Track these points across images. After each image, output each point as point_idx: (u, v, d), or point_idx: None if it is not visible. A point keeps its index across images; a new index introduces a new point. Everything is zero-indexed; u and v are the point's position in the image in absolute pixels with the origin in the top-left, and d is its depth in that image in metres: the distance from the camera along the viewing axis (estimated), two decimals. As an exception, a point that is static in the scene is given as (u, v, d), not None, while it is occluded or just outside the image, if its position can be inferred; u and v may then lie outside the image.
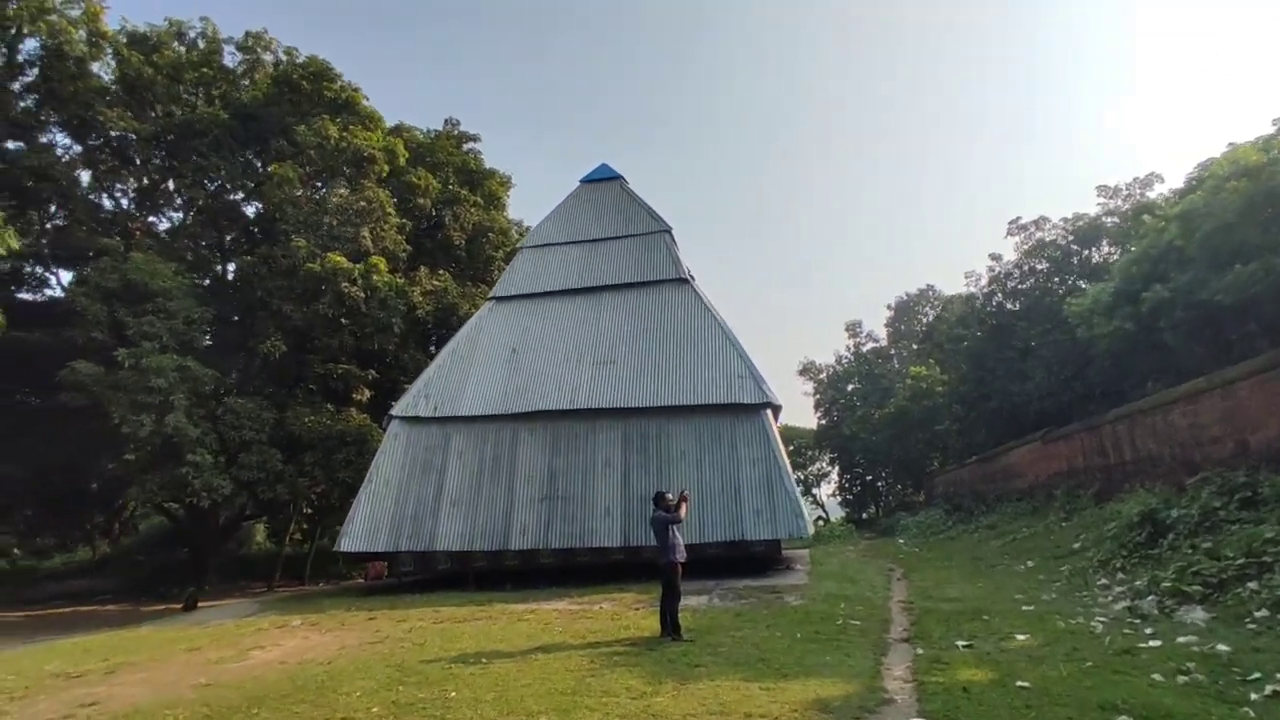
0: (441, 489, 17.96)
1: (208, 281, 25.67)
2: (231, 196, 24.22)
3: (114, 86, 23.81)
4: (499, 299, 21.45)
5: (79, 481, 25.50)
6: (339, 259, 20.87)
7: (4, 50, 21.64)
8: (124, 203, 24.19)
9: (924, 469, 48.52)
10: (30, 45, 22.14)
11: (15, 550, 38.10)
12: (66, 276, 25.60)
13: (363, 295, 21.06)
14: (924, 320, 68.26)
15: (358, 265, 21.19)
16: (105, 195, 25.16)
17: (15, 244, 18.33)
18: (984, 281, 33.68)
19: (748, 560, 17.29)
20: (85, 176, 24.78)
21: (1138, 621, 9.64)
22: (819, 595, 13.19)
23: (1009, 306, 32.74)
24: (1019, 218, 31.33)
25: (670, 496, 10.17)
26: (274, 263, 21.03)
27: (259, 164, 23.08)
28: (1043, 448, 26.85)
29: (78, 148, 24.26)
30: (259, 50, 24.42)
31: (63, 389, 20.17)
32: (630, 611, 12.36)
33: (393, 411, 19.41)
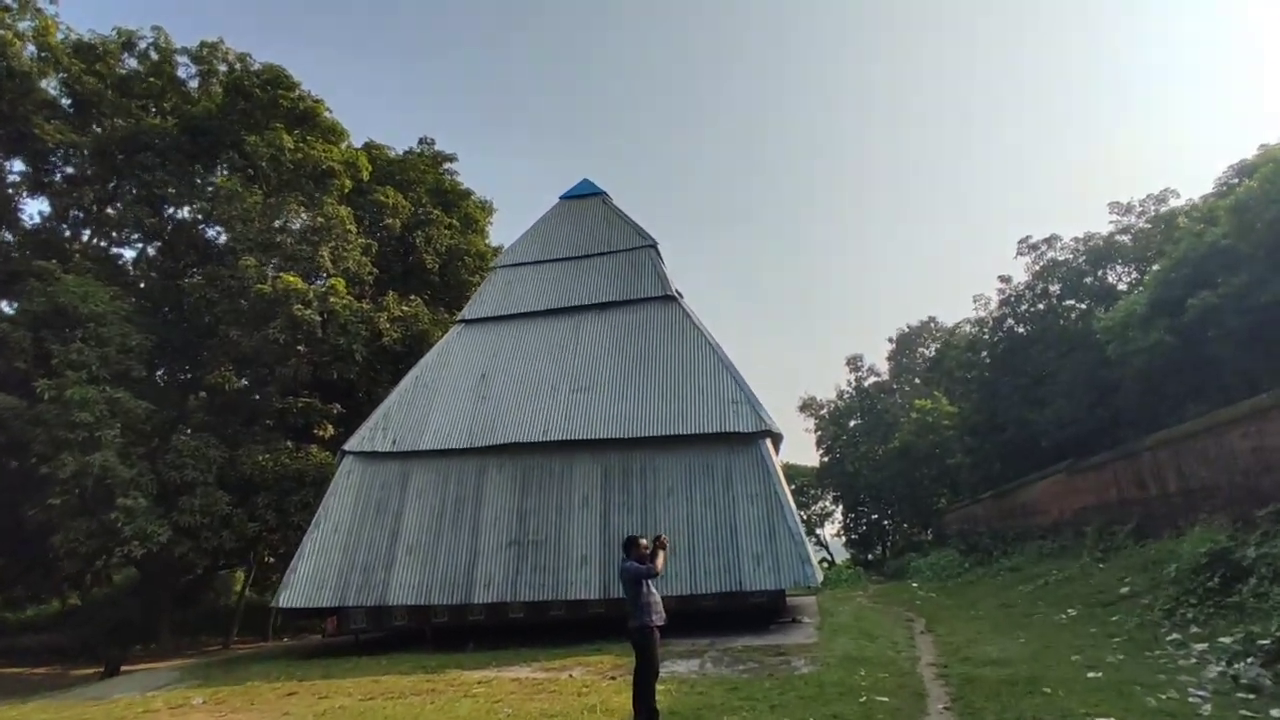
0: (397, 534, 15.76)
1: (166, 310, 23.70)
2: (181, 214, 22.40)
3: (63, 101, 22.16)
4: (468, 322, 19.49)
5: (12, 529, 23.19)
6: (293, 279, 18.93)
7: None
8: (67, 225, 22.32)
9: (931, 506, 46.36)
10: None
11: None
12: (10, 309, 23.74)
13: (319, 319, 19.07)
14: (925, 353, 66.60)
15: (314, 286, 19.24)
16: (55, 218, 23.37)
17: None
18: (993, 305, 31.85)
19: (747, 613, 15.02)
20: (34, 200, 23.04)
21: (1250, 697, 7.46)
22: (833, 658, 10.95)
23: (1020, 331, 30.85)
24: (1029, 236, 29.63)
25: (644, 542, 8.03)
26: (221, 284, 19.10)
27: (211, 181, 21.29)
28: (1067, 480, 24.67)
29: (20, 166, 22.53)
30: (214, 61, 22.72)
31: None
32: (604, 682, 10.13)
33: (346, 446, 17.28)
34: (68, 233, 22.65)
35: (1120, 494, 20.75)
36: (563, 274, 19.87)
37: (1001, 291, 31.39)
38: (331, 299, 19.39)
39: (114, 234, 22.61)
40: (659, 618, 7.71)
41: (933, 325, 66.66)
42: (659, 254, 19.92)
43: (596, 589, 14.53)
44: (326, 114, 23.05)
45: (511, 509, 15.67)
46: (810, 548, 14.56)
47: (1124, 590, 14.51)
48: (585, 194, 22.30)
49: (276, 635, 28.27)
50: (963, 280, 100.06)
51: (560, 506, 15.52)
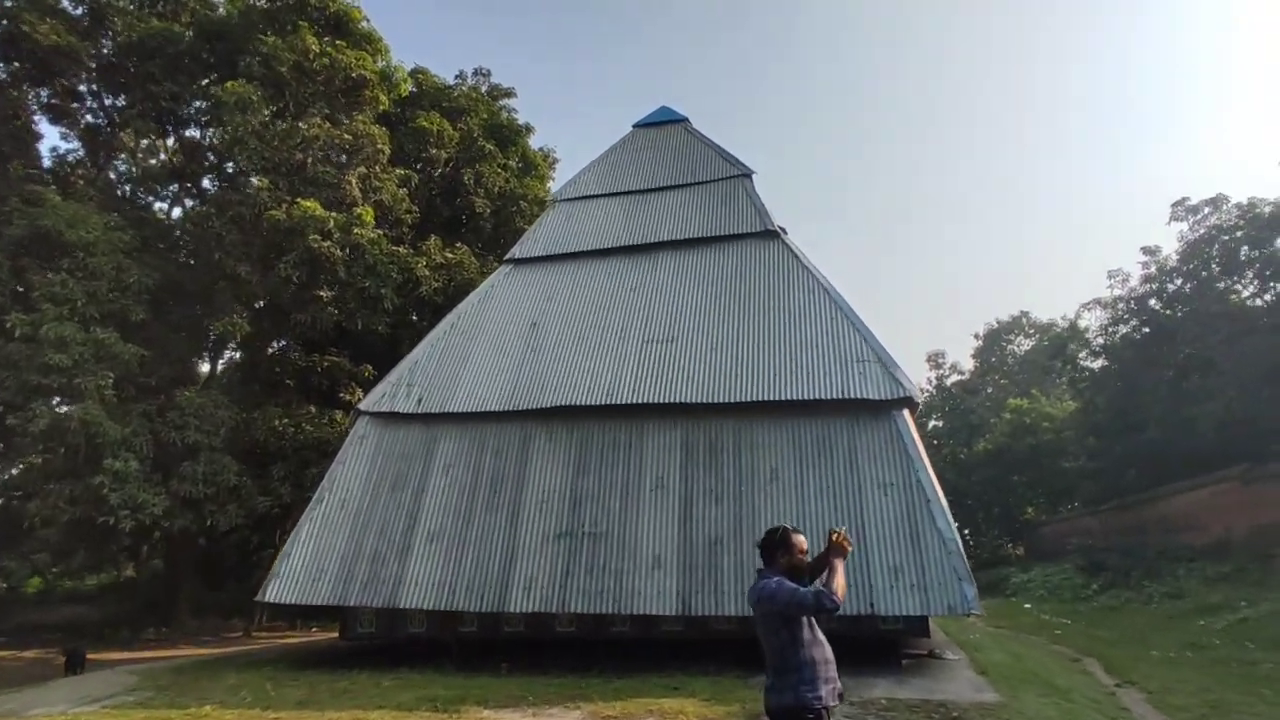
0: (417, 517, 12.32)
1: (181, 246, 20.76)
2: (192, 134, 19.57)
3: (76, 10, 19.42)
4: (517, 262, 15.97)
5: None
6: (311, 205, 15.76)
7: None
8: (70, 147, 19.70)
9: (1018, 517, 41.72)
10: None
11: (53, 570, 34.60)
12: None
13: (341, 255, 15.84)
14: (1016, 350, 61.21)
15: (335, 215, 16.03)
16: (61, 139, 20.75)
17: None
18: (1134, 282, 26.97)
19: (869, 643, 11.13)
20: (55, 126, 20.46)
21: None
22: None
23: (1168, 314, 25.94)
24: (1185, 198, 24.78)
25: (802, 542, 4.27)
26: (230, 210, 16.06)
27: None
28: (1243, 490, 19.97)
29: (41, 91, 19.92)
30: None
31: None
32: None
33: (361, 404, 13.96)
34: (81, 160, 20.00)
35: (1341, 509, 16.20)
36: (636, 207, 16.20)
37: (1145, 265, 26.64)
38: (356, 230, 16.13)
39: (121, 160, 19.91)
40: (830, 691, 3.97)
41: (1024, 320, 61.26)
42: (754, 188, 16.08)
43: (673, 601, 10.80)
44: (363, 22, 19.86)
45: (563, 491, 12.07)
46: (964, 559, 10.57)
47: None
48: (663, 120, 18.60)
49: (304, 626, 25.50)
50: (1058, 272, 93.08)
51: (627, 490, 11.85)
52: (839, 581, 3.88)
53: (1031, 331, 60.14)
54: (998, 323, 61.24)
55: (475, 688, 9.69)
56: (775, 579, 4.02)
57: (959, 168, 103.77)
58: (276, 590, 11.94)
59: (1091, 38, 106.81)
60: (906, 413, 11.68)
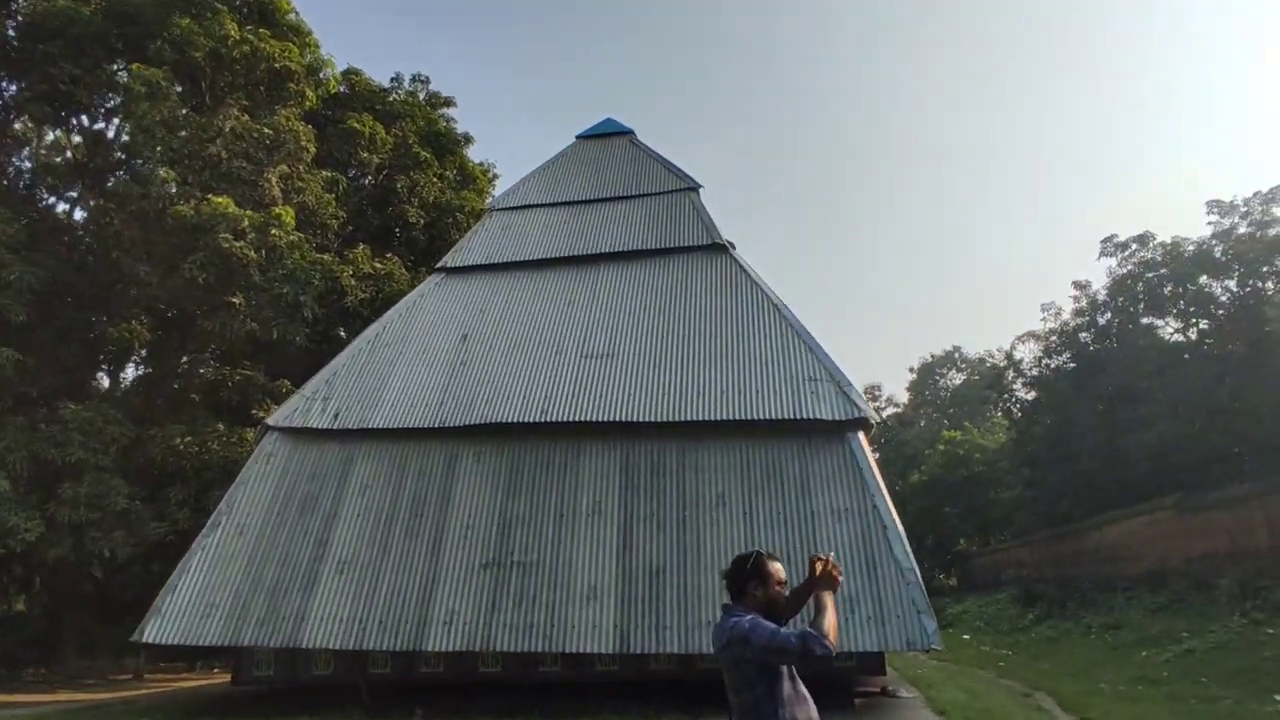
0: (326, 544, 11.04)
1: (78, 244, 18.85)
2: (97, 126, 17.90)
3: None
4: (449, 270, 14.93)
5: None
6: (224, 202, 14.41)
7: None
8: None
9: (950, 548, 42.27)
10: None
11: None
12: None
13: (255, 257, 14.52)
14: (949, 384, 62.60)
15: (250, 213, 14.69)
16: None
17: None
18: (1066, 315, 27.45)
19: (825, 682, 10.32)
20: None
21: None
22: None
23: (1096, 348, 26.44)
24: (1114, 235, 25.37)
25: (778, 570, 3.42)
26: (131, 205, 14.55)
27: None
28: (1177, 520, 20.07)
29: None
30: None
31: None
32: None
33: (270, 419, 12.64)
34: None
35: (1274, 539, 16.32)
36: (577, 218, 15.39)
37: (1076, 300, 27.20)
38: (274, 231, 14.79)
39: (25, 156, 18.13)
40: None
41: (956, 355, 62.89)
42: (700, 201, 15.49)
43: (610, 637, 9.80)
44: (291, 14, 18.58)
45: (491, 515, 11.00)
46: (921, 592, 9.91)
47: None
48: (609, 132, 17.94)
49: (206, 667, 23.30)
50: (992, 308, 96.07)
51: (561, 515, 10.86)
52: (830, 620, 3.05)
53: (964, 366, 61.79)
54: (931, 357, 62.77)
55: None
56: (749, 617, 3.16)
57: (895, 212, 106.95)
58: (157, 629, 10.47)
59: (1006, 84, 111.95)
60: (861, 435, 11.08)
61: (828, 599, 3.16)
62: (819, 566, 3.30)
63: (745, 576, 3.34)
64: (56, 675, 20.64)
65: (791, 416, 10.97)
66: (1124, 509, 22.71)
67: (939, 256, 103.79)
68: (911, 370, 62.72)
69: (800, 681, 3.22)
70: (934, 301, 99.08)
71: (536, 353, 12.71)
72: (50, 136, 17.48)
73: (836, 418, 10.91)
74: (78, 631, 22.79)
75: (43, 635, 23.12)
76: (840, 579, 3.30)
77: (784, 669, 3.12)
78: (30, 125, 16.88)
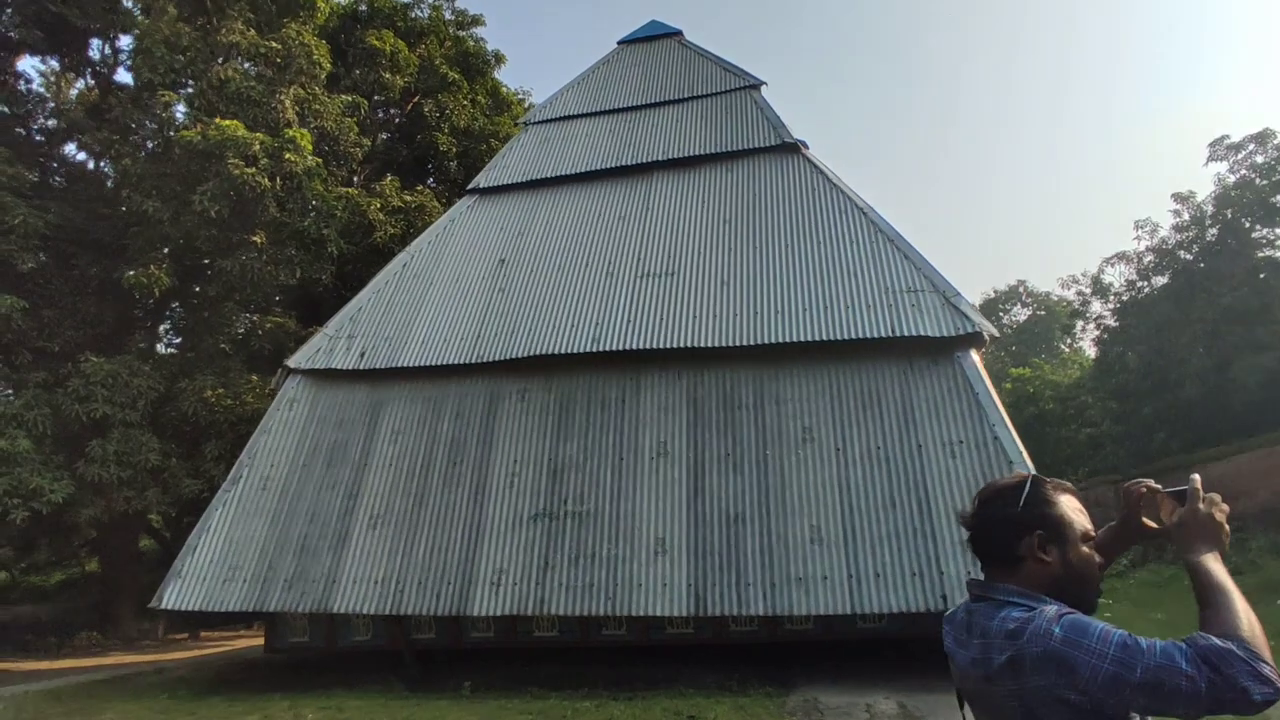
0: (357, 496, 9.78)
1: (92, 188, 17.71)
2: (93, 52, 16.61)
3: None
4: (482, 191, 13.34)
5: None
6: (233, 125, 13.00)
7: None
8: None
9: (1016, 487, 40.00)
10: None
11: (20, 566, 31.82)
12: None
13: (271, 185, 13.11)
14: (1016, 320, 59.52)
15: (261, 136, 13.25)
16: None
17: None
18: (1164, 232, 24.68)
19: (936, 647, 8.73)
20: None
21: None
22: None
23: (1202, 265, 23.73)
24: (1225, 136, 22.44)
25: (1075, 504, 1.72)
26: (136, 133, 13.25)
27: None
28: (1305, 452, 17.91)
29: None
30: None
31: None
32: None
33: (289, 361, 11.35)
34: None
35: None
36: (625, 126, 13.57)
37: (1176, 214, 24.41)
38: (289, 156, 13.34)
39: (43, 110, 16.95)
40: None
41: (1022, 290, 59.58)
42: (765, 100, 13.51)
43: (683, 597, 8.36)
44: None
45: (540, 460, 9.57)
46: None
47: None
48: (653, 35, 15.94)
49: (261, 625, 22.93)
50: (1058, 240, 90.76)
51: (621, 458, 9.37)
52: (1245, 620, 1.42)
53: (1029, 301, 58.51)
54: (995, 292, 59.53)
55: (426, 717, 7.28)
56: (1053, 608, 1.49)
57: (954, 134, 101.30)
58: (177, 594, 9.38)
59: None
60: (974, 353, 9.26)
61: (1212, 570, 1.52)
62: (1168, 506, 1.65)
63: (1017, 523, 1.64)
64: (112, 640, 20.34)
65: (889, 334, 9.19)
66: (1234, 442, 20.49)
67: (1011, 180, 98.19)
68: (975, 306, 59.59)
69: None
70: (997, 236, 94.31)
71: (585, 275, 11.10)
72: (55, 66, 16.17)
73: (944, 333, 9.11)
74: (135, 592, 22.46)
75: (99, 599, 22.91)
76: (1224, 520, 1.64)
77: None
78: (45, 69, 15.57)
